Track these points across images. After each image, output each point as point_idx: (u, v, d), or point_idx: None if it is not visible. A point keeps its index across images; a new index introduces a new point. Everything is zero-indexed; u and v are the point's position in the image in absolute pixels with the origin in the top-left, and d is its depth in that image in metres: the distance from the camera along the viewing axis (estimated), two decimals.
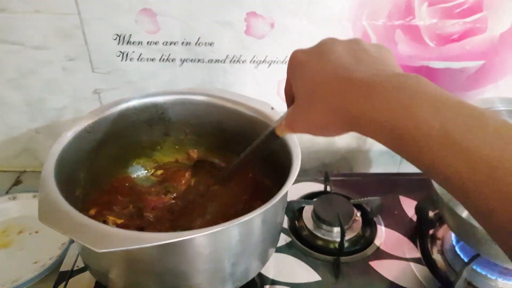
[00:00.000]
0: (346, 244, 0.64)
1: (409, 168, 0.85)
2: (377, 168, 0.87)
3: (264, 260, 0.54)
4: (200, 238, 0.42)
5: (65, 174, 0.51)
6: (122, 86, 0.77)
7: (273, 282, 0.59)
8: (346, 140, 0.84)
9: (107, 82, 0.77)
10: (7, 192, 0.80)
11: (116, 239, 0.38)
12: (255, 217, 0.43)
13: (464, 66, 0.75)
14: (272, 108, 0.62)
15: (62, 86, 0.76)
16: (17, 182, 0.84)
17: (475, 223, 0.38)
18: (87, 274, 0.61)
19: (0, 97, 0.77)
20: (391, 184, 0.78)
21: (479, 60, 0.74)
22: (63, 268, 0.62)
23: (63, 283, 0.59)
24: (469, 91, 0.78)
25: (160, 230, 0.57)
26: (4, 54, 0.72)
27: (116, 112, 0.61)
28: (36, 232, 0.71)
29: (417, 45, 0.73)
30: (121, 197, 0.62)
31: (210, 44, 0.73)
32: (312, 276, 0.61)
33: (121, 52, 0.73)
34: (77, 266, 0.62)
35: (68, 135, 0.54)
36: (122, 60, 0.74)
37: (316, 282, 0.60)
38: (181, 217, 0.60)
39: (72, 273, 0.61)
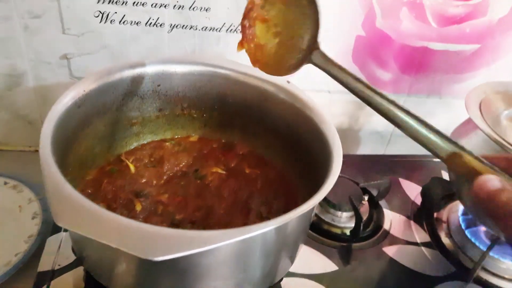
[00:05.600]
0: None
1: (396, 149, 0.87)
2: (365, 148, 0.86)
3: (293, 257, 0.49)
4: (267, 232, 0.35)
5: (58, 159, 0.42)
6: (96, 51, 0.66)
7: (290, 274, 0.55)
8: (338, 119, 0.81)
9: (79, 46, 0.65)
10: None
11: (170, 242, 0.30)
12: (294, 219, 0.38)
13: (461, 49, 0.75)
14: (288, 82, 0.57)
15: (22, 48, 0.63)
16: None
17: None
18: (72, 273, 0.52)
19: None
20: (387, 166, 0.76)
21: (476, 43, 0.74)
22: (42, 267, 0.52)
23: (44, 287, 0.50)
24: (463, 73, 0.78)
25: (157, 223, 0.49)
26: None
27: (108, 82, 0.52)
28: None
29: (420, 24, 0.71)
30: (112, 185, 0.53)
31: (206, 10, 0.64)
32: (327, 265, 0.57)
33: (100, 12, 0.62)
34: (59, 265, 0.52)
35: (58, 109, 0.45)
36: (100, 21, 0.63)
37: (334, 272, 0.56)
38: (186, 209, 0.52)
39: (54, 273, 0.51)
